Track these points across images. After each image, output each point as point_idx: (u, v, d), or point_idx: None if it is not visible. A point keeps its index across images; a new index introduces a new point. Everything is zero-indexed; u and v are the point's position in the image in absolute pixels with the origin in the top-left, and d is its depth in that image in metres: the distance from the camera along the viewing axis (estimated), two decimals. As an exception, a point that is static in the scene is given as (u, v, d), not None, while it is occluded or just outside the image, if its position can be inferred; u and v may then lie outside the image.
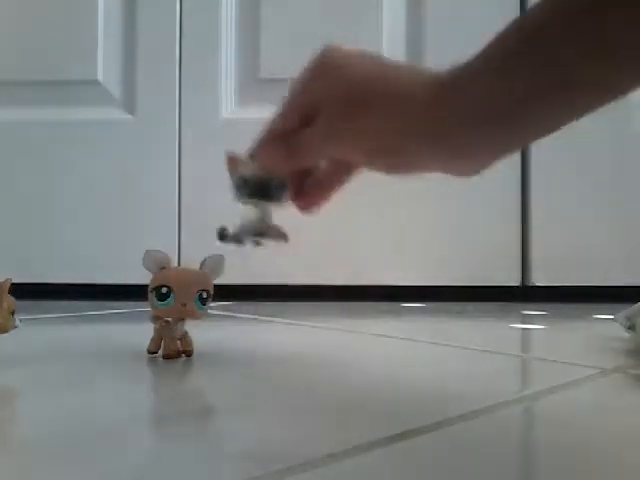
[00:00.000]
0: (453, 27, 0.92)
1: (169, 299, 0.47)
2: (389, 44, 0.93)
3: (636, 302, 0.60)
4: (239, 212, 0.47)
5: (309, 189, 0.46)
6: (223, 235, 0.47)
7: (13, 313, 0.45)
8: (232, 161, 0.47)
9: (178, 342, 0.49)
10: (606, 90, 0.35)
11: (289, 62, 0.94)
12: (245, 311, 0.80)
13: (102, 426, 0.33)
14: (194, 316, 0.48)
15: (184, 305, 0.47)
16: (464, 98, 0.38)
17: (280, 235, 0.47)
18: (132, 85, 0.94)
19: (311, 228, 0.91)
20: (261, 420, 0.35)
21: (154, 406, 0.40)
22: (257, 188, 0.45)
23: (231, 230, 0.47)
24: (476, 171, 0.41)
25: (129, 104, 0.95)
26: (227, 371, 0.50)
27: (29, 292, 0.81)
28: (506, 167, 0.92)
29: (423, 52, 0.93)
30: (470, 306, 0.86)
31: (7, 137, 0.95)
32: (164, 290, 0.47)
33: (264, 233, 0.47)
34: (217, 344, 0.56)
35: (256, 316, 0.76)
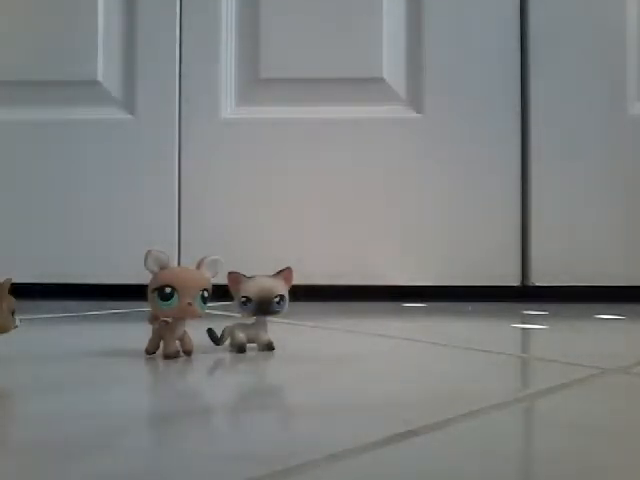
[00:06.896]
0: (453, 28, 0.92)
1: (173, 299, 0.47)
2: (389, 45, 0.93)
3: (636, 302, 0.60)
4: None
5: None
6: (212, 335, 0.53)
7: (13, 313, 0.45)
8: (234, 280, 0.51)
9: (178, 342, 0.49)
10: None
11: (289, 62, 0.95)
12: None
13: (102, 426, 0.33)
14: (197, 315, 0.48)
15: (190, 304, 0.47)
16: None
17: (268, 347, 0.52)
18: (132, 85, 0.94)
19: (310, 229, 0.91)
20: (261, 420, 0.35)
21: (154, 406, 0.40)
22: (260, 306, 0.50)
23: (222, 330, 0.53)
24: None
25: (129, 104, 0.95)
26: (227, 370, 0.50)
27: (29, 292, 0.81)
28: (506, 167, 0.92)
29: (423, 53, 0.93)
30: (470, 306, 0.86)
31: (6, 137, 0.95)
32: (168, 290, 0.47)
33: (254, 341, 0.52)
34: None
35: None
